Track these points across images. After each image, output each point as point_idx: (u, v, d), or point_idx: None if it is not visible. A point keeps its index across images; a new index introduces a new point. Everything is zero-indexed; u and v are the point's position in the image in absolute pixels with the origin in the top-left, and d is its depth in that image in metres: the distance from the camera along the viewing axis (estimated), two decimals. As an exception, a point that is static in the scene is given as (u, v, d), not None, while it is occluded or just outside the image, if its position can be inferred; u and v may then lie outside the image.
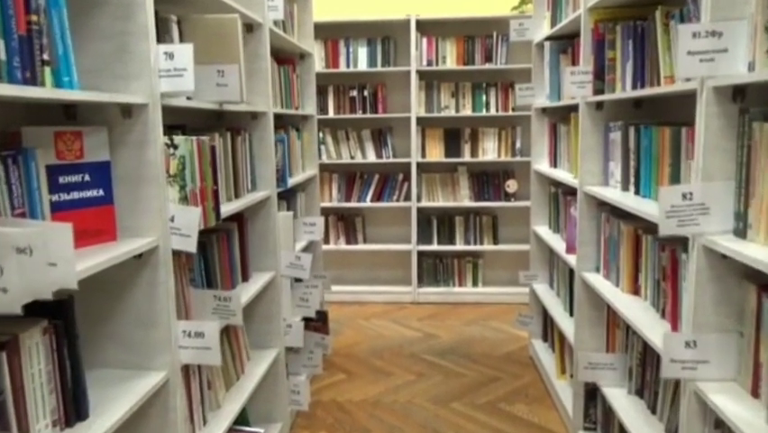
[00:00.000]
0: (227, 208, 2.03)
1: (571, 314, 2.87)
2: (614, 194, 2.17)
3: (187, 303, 1.81)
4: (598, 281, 2.34)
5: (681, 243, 1.70)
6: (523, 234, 4.74)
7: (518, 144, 4.57)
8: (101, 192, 1.45)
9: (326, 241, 4.77)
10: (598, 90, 2.32)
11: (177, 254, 1.67)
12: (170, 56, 1.48)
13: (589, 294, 2.47)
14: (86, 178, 1.42)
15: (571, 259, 2.63)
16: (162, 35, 1.81)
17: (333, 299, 4.73)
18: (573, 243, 2.65)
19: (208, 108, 1.91)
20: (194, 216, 1.53)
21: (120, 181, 1.51)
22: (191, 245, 1.55)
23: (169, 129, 1.79)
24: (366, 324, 4.26)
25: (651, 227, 2.02)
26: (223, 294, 1.87)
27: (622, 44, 2.16)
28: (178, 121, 2.09)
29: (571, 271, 2.80)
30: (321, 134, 4.64)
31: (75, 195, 1.39)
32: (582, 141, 2.42)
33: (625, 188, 2.20)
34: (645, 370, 2.05)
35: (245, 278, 2.40)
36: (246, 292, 2.26)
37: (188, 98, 1.89)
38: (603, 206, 2.38)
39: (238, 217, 2.34)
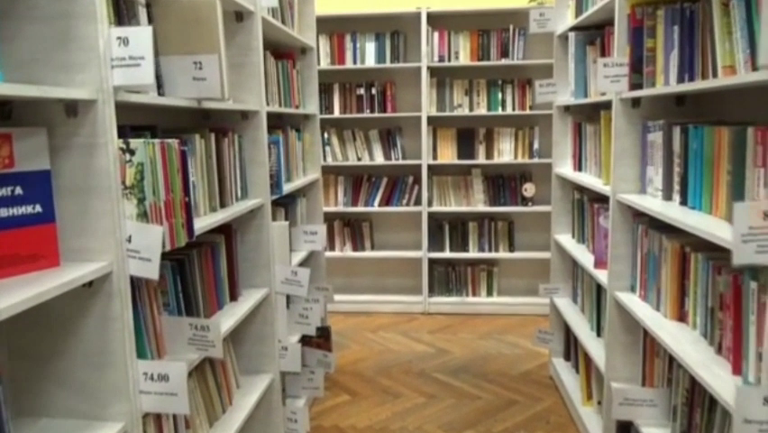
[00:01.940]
0: (209, 221, 1.77)
1: (599, 334, 2.58)
2: (654, 204, 1.88)
3: (157, 334, 1.54)
4: (635, 303, 2.04)
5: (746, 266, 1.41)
6: (541, 240, 4.45)
7: (536, 145, 4.28)
8: (38, 208, 1.19)
9: (331, 248, 4.51)
10: (636, 85, 2.03)
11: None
12: (125, 42, 1.22)
13: (623, 316, 2.17)
14: (18, 191, 1.15)
15: (601, 275, 2.33)
16: (129, 20, 1.55)
17: (338, 309, 4.46)
18: (603, 257, 2.36)
19: (190, 107, 1.64)
20: (155, 235, 1.27)
21: (63, 194, 1.24)
22: (152, 271, 1.28)
23: (135, 130, 1.52)
24: (373, 337, 3.99)
25: (701, 244, 1.72)
26: (200, 322, 1.60)
27: (665, 31, 1.87)
28: (151, 121, 1.83)
29: (600, 288, 2.51)
30: (326, 135, 4.38)
31: (2, 212, 1.13)
32: (616, 142, 2.12)
33: (667, 197, 1.91)
34: (693, 410, 1.76)
35: (234, 297, 2.14)
36: (234, 313, 2.00)
37: (160, 94, 1.63)
38: (640, 216, 2.08)
39: (226, 229, 2.07)
